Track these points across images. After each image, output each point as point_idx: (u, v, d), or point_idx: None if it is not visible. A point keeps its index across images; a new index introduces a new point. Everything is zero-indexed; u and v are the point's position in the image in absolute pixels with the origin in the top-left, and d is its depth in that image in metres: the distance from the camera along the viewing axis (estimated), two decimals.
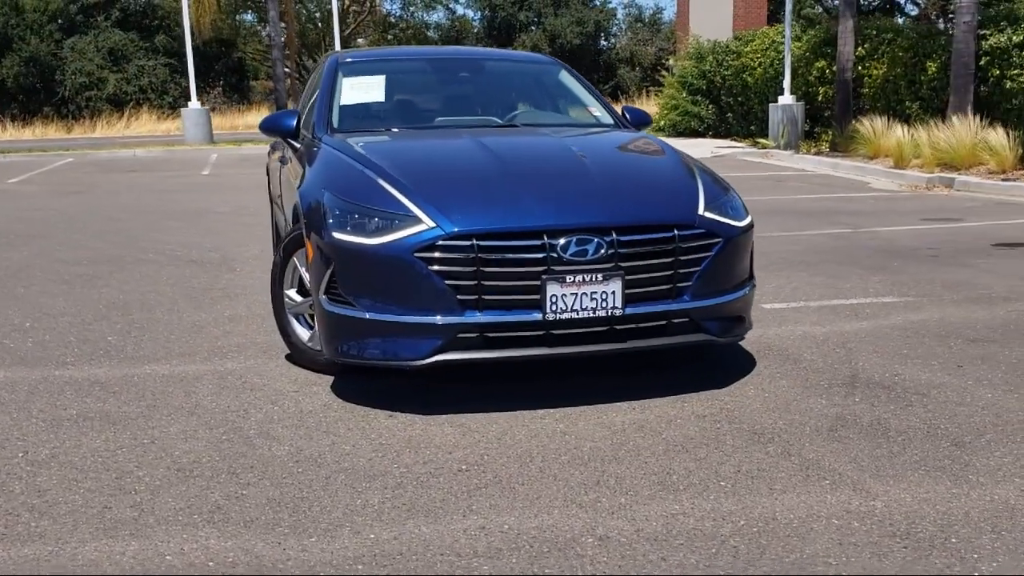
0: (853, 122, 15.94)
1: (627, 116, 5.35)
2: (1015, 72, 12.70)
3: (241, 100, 36.24)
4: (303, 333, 4.39)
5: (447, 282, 3.63)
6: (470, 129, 4.90)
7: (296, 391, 4.08)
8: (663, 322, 3.85)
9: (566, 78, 5.71)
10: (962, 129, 13.13)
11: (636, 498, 2.97)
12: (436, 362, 3.68)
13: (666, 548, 2.64)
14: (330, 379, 4.21)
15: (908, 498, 2.95)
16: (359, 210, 3.82)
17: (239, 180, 14.40)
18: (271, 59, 24.28)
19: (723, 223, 3.96)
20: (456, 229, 3.64)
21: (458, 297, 3.63)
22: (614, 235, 3.71)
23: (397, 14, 41.96)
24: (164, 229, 9.13)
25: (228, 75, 36.90)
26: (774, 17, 39.44)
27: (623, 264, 3.71)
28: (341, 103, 5.01)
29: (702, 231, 3.88)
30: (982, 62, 13.42)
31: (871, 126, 14.71)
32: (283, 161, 5.64)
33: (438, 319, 3.65)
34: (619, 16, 43.23)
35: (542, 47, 37.70)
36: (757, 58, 19.24)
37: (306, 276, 4.28)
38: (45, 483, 3.16)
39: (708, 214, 3.95)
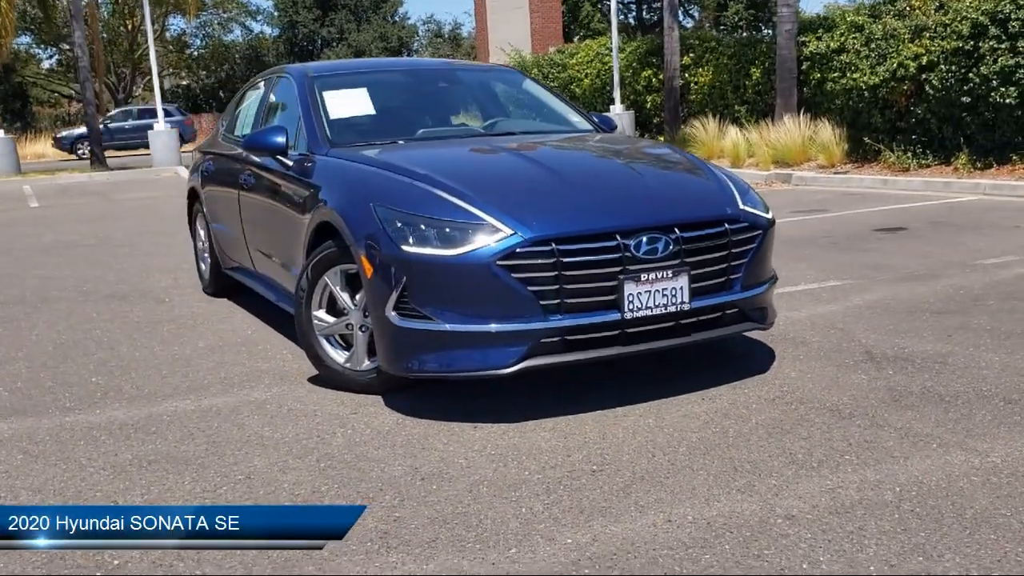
0: (683, 127, 16.84)
1: (597, 122, 5.49)
2: (835, 75, 13.82)
3: (25, 128, 33.77)
4: (337, 355, 4.25)
5: (530, 288, 3.64)
6: (484, 138, 4.92)
7: (354, 413, 3.95)
8: (719, 314, 4.02)
9: (531, 86, 5.80)
10: (793, 128, 14.16)
11: (784, 478, 3.10)
12: (523, 368, 3.67)
13: (854, 519, 2.79)
14: (374, 399, 4.10)
15: (1016, 452, 3.24)
16: (425, 222, 3.75)
17: (79, 211, 13.51)
18: (79, 80, 22.74)
19: (759, 216, 4.17)
20: (535, 235, 3.65)
21: (541, 302, 3.65)
22: (677, 232, 3.84)
23: (192, 33, 40.30)
24: (43, 265, 8.47)
25: (8, 101, 34.30)
26: (568, 31, 40.92)
27: (688, 260, 3.84)
28: (331, 117, 4.86)
29: (746, 224, 4.08)
30: (804, 66, 14.52)
31: (704, 128, 15.60)
32: (247, 183, 5.40)
33: (522, 325, 3.65)
34: (420, 32, 43.48)
35: None
36: (583, 69, 19.92)
37: (340, 296, 4.16)
38: None
39: (746, 208, 4.15)
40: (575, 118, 5.44)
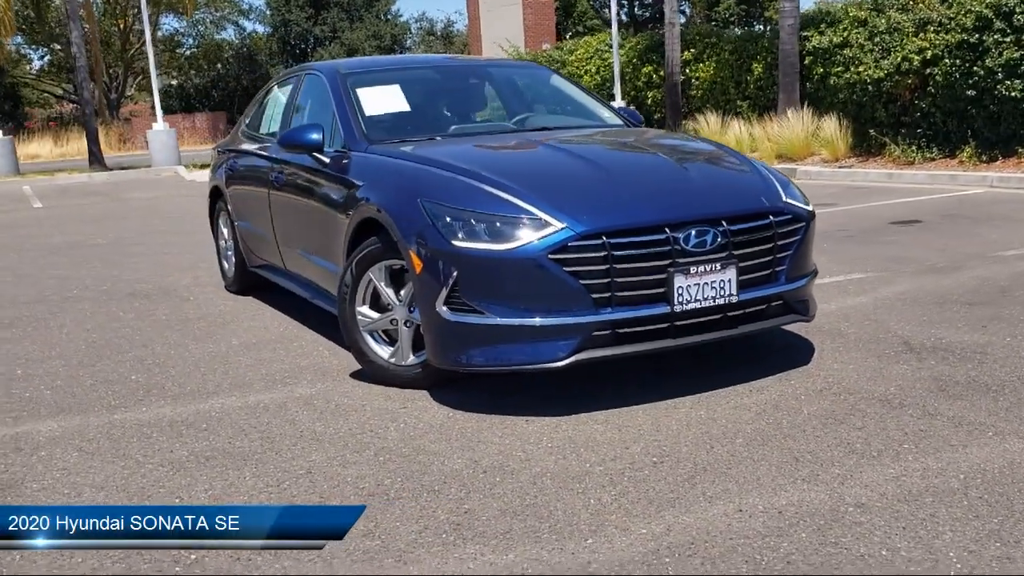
0: (684, 121, 16.87)
1: (626, 116, 5.51)
2: (839, 69, 13.86)
3: (18, 129, 33.61)
4: (382, 350, 4.26)
5: (581, 281, 3.66)
6: (520, 133, 4.94)
7: (403, 408, 3.96)
8: (764, 306, 4.04)
9: (559, 81, 5.82)
10: (796, 123, 14.21)
11: (847, 467, 3.12)
12: (575, 361, 3.69)
13: (924, 506, 2.81)
14: (420, 394, 4.11)
15: None
16: (475, 216, 3.76)
17: (84, 211, 13.47)
18: (75, 81, 22.64)
19: (802, 208, 4.20)
20: (586, 229, 3.67)
21: (592, 296, 3.67)
22: (724, 225, 3.86)
23: (184, 33, 40.16)
24: (57, 265, 8.44)
25: (1, 102, 34.15)
26: (560, 28, 40.96)
27: (735, 252, 3.86)
28: (366, 114, 4.87)
29: (790, 216, 4.10)
30: (806, 61, 14.56)
31: (706, 124, 15.63)
32: (278, 181, 5.40)
33: (575, 319, 3.67)
34: (413, 30, 43.43)
35: None
36: (583, 66, 19.92)
37: (385, 292, 4.17)
38: None
39: (789, 201, 4.17)
40: (605, 113, 5.46)
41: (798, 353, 4.45)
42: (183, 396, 4.30)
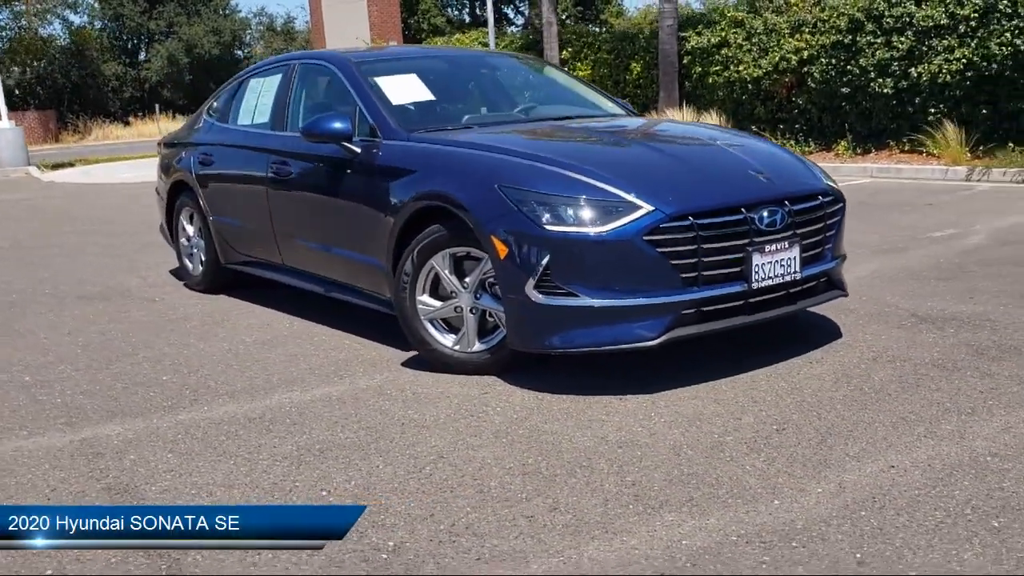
0: None
1: (623, 105, 5.68)
2: (717, 68, 14.55)
3: None
4: (445, 339, 4.26)
5: (671, 262, 3.78)
6: (555, 121, 5.01)
7: (486, 393, 3.98)
8: (814, 283, 4.28)
9: (553, 72, 5.92)
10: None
11: (955, 424, 3.38)
12: (667, 340, 3.81)
13: None
14: (491, 380, 4.13)
15: None
16: (563, 201, 3.82)
17: None
18: None
19: (838, 190, 4.47)
20: (674, 210, 3.79)
21: (681, 275, 3.80)
22: (788, 205, 4.07)
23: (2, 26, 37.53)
24: None
25: None
26: (405, 25, 40.82)
27: (798, 231, 4.08)
28: (393, 103, 4.82)
29: (833, 197, 4.36)
30: (685, 60, 15.19)
31: None
32: (281, 173, 5.24)
33: (666, 298, 3.79)
34: (253, 25, 42.21)
35: (179, 58, 35.93)
36: None
37: (449, 279, 4.17)
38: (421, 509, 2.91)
39: (829, 183, 4.44)
40: (606, 103, 5.60)
41: (825, 329, 4.71)
42: (239, 393, 4.15)
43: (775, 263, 3.98)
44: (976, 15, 11.60)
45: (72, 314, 5.90)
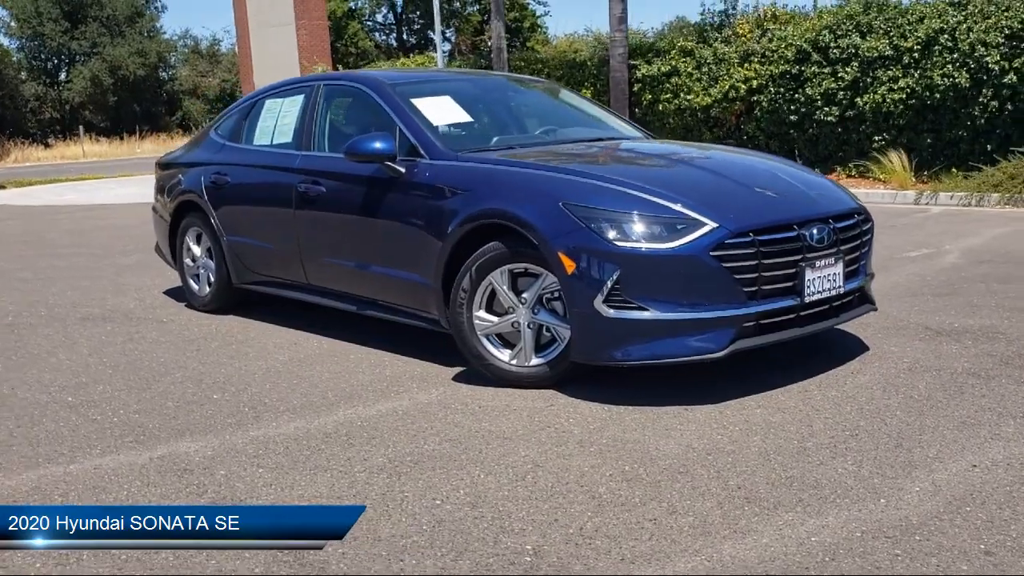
0: None
1: (640, 127, 5.86)
2: (667, 96, 14.95)
3: None
4: (502, 354, 4.35)
5: (735, 276, 3.95)
6: (599, 142, 5.15)
7: (551, 406, 4.07)
8: (851, 297, 4.50)
9: (568, 96, 6.07)
10: None
11: (1016, 427, 3.61)
12: (731, 352, 3.97)
13: None
14: (551, 393, 4.23)
15: None
16: (630, 218, 3.96)
17: None
18: None
19: (867, 209, 4.72)
20: (737, 227, 3.97)
21: (744, 289, 3.97)
22: (832, 223, 4.29)
23: None
24: None
25: None
26: (333, 48, 40.75)
27: (841, 248, 4.30)
28: (434, 124, 4.91)
29: (865, 216, 4.60)
30: (635, 88, 15.56)
31: None
32: (311, 193, 5.26)
33: (731, 311, 3.95)
34: (178, 48, 41.53)
35: (103, 79, 35.18)
36: None
37: (508, 295, 4.27)
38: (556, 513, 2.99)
39: (860, 204, 4.68)
40: (625, 126, 5.78)
41: (851, 343, 4.93)
42: (301, 410, 4.16)
43: (823, 278, 4.17)
44: (919, 47, 12.20)
45: (83, 335, 5.80)
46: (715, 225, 3.94)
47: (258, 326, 5.88)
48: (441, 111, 5.02)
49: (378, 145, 4.71)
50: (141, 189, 18.65)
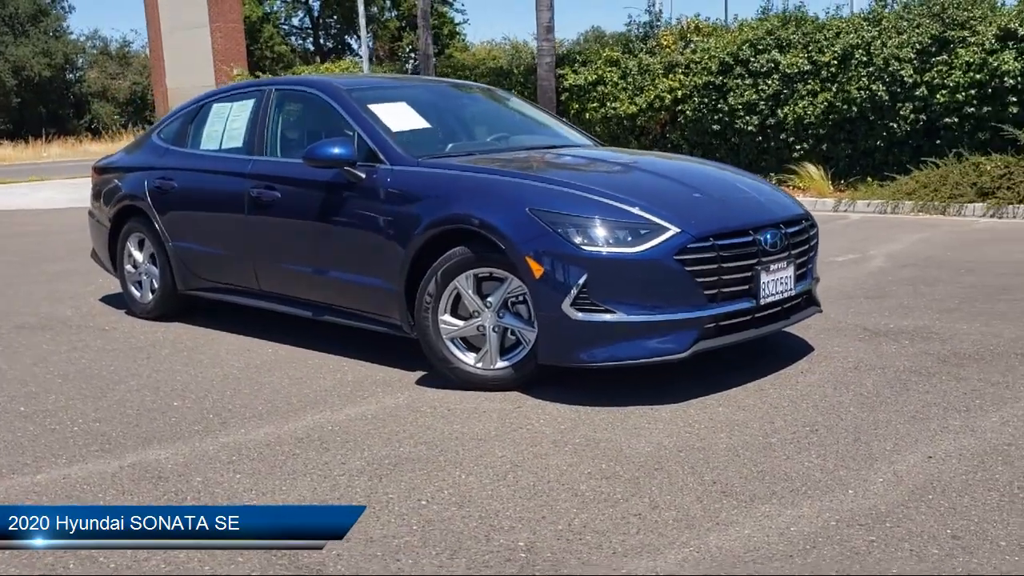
0: None
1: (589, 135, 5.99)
2: (594, 105, 15.19)
3: None
4: (467, 357, 4.40)
5: (697, 280, 4.09)
6: (552, 150, 5.23)
7: (519, 408, 4.14)
8: (800, 299, 4.69)
9: (517, 102, 6.16)
10: None
11: (974, 415, 3.80)
12: (694, 352, 4.10)
13: None
14: (514, 395, 4.30)
15: None
16: (595, 223, 4.06)
17: None
18: None
19: (812, 215, 4.92)
20: (698, 232, 4.11)
21: (705, 292, 4.11)
22: (783, 228, 4.47)
23: None
24: None
25: None
26: (249, 52, 40.21)
27: (791, 252, 4.48)
28: (393, 129, 4.94)
29: (811, 221, 4.80)
30: (562, 97, 15.76)
31: None
32: (264, 198, 5.23)
33: (694, 313, 4.09)
34: (87, 49, 40.35)
35: (6, 80, 34.05)
36: None
37: (473, 299, 4.33)
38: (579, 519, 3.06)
39: (804, 209, 4.88)
40: (576, 134, 5.89)
41: (795, 344, 5.11)
42: (268, 415, 4.15)
43: (776, 281, 4.35)
44: (836, 62, 12.66)
45: (22, 344, 5.65)
46: (678, 230, 4.07)
47: (206, 333, 5.81)
48: (398, 117, 5.05)
49: (337, 150, 4.72)
50: (56, 193, 18.14)
